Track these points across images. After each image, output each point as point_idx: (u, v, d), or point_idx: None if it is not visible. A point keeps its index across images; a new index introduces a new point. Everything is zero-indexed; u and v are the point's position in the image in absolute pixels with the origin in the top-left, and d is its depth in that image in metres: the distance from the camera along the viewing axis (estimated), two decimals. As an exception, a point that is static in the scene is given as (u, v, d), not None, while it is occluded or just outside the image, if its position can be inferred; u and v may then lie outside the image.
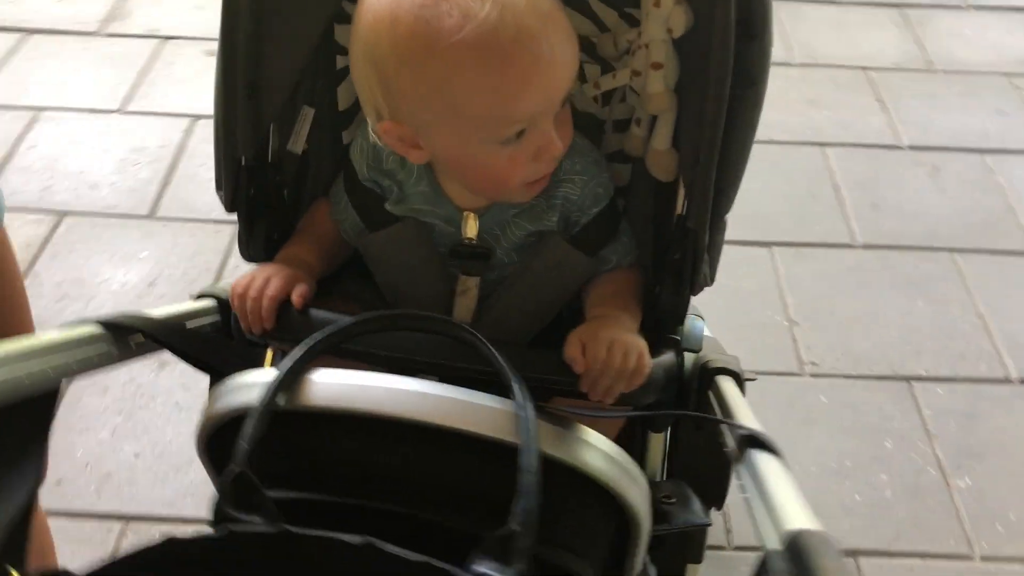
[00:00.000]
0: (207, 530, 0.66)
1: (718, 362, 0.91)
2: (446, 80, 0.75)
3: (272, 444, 0.74)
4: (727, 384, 0.86)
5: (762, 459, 0.66)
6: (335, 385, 0.72)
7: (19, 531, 0.69)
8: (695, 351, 0.96)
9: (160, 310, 0.85)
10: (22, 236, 2.03)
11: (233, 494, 0.69)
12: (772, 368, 1.84)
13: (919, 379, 1.83)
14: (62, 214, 2.10)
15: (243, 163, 0.90)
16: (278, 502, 0.72)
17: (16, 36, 2.62)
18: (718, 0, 0.75)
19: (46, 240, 2.03)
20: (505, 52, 0.74)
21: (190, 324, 0.88)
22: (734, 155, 0.82)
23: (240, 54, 0.85)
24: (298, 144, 0.95)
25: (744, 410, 0.77)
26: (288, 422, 0.73)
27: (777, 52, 2.63)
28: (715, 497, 0.98)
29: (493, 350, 0.75)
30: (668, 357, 0.87)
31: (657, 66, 0.83)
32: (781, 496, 0.59)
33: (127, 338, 0.79)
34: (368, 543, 0.58)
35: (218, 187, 0.92)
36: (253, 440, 0.70)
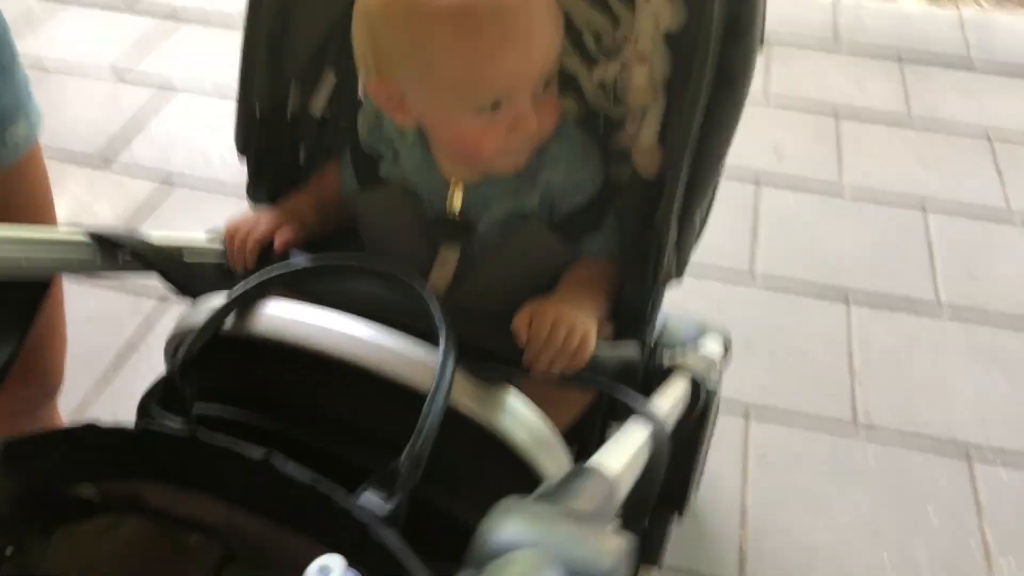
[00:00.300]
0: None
1: (683, 365, 0.91)
2: (424, 40, 0.79)
3: (220, 363, 0.80)
4: (676, 381, 0.86)
5: (635, 425, 0.66)
6: (273, 317, 0.77)
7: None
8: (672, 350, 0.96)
9: (160, 234, 0.91)
10: (131, 197, 2.19)
11: (162, 395, 0.74)
12: (823, 419, 1.78)
13: (980, 453, 1.73)
14: (172, 183, 2.26)
15: (257, 113, 0.97)
16: (210, 417, 0.77)
17: (171, 24, 2.85)
18: None
19: (153, 204, 2.18)
20: (480, 20, 0.77)
21: (190, 257, 0.94)
22: (708, 154, 0.83)
23: (265, 6, 0.92)
24: (317, 106, 1.01)
25: (665, 401, 0.78)
26: (234, 345, 0.79)
27: (892, 107, 2.59)
28: (677, 500, 0.97)
29: (436, 305, 0.78)
30: (629, 348, 0.87)
31: (642, 59, 0.85)
32: (613, 447, 0.60)
33: (115, 252, 0.86)
34: (267, 458, 0.62)
35: (236, 135, 0.99)
36: (189, 352, 0.76)
